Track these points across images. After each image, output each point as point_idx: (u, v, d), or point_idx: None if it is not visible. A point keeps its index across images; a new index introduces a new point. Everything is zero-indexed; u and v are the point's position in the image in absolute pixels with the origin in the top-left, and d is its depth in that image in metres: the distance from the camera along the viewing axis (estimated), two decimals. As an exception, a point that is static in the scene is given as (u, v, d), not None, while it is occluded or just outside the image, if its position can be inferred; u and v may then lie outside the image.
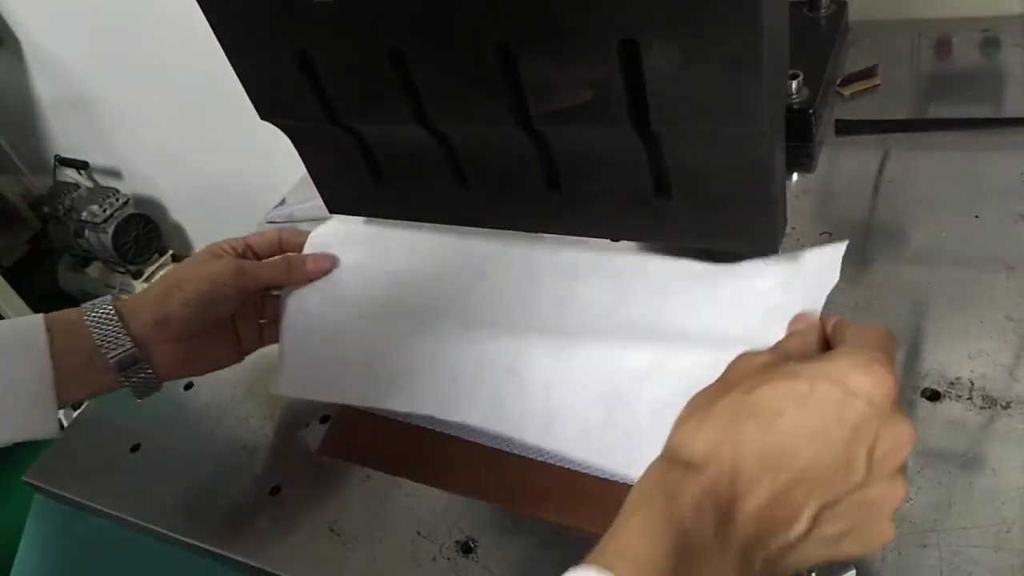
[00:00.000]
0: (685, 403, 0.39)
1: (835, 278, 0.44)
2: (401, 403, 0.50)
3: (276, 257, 0.55)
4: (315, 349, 0.55)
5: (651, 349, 0.45)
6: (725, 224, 0.44)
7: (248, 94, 0.51)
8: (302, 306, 0.56)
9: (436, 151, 0.48)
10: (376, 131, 0.50)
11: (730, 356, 0.43)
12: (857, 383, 0.30)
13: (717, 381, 0.35)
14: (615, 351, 0.46)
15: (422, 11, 0.40)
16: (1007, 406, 0.43)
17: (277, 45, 0.46)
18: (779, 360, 0.34)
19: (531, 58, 0.40)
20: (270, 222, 0.77)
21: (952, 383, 0.45)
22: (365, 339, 0.54)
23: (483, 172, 0.49)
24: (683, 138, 0.40)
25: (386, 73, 0.43)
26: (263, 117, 0.52)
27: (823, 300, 0.44)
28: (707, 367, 0.42)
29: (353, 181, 0.54)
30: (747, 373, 0.34)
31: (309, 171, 0.56)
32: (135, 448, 0.58)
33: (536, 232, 0.51)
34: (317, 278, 0.56)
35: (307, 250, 0.59)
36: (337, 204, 0.58)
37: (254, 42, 0.47)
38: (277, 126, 0.54)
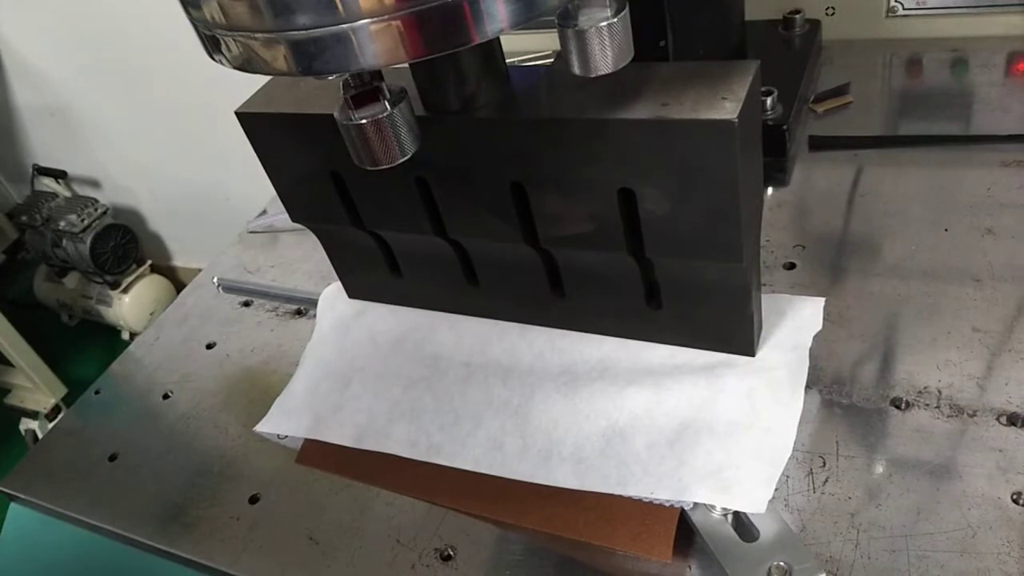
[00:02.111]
0: (678, 433, 0.45)
1: (818, 326, 0.49)
2: (396, 446, 0.51)
3: None
4: (315, 388, 0.57)
5: (651, 385, 0.48)
6: (708, 332, 0.49)
7: (282, 201, 0.55)
8: (318, 351, 0.59)
9: (451, 255, 0.53)
10: (397, 237, 0.55)
11: (724, 386, 0.47)
12: None
13: None
14: (617, 388, 0.49)
15: (447, 152, 0.45)
16: (973, 415, 0.44)
17: (313, 166, 0.51)
18: None
19: (541, 196, 0.45)
20: (251, 232, 0.77)
21: (920, 392, 0.46)
22: (371, 382, 0.55)
23: (494, 276, 0.54)
24: (672, 264, 0.45)
25: (411, 195, 0.48)
26: (294, 220, 0.56)
27: (808, 343, 0.48)
28: (699, 405, 0.47)
29: (373, 274, 0.59)
30: None
31: (332, 262, 0.61)
32: (112, 457, 0.58)
33: (540, 326, 0.55)
34: None
35: (320, 303, 0.62)
36: (356, 291, 0.62)
37: (292, 162, 0.52)
38: (307, 227, 0.58)
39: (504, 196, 0.45)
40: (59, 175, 1.89)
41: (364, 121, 0.36)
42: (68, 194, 1.91)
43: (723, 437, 0.45)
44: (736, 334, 0.48)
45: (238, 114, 0.50)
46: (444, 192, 0.48)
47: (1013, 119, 0.63)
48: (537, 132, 0.42)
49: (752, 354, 0.48)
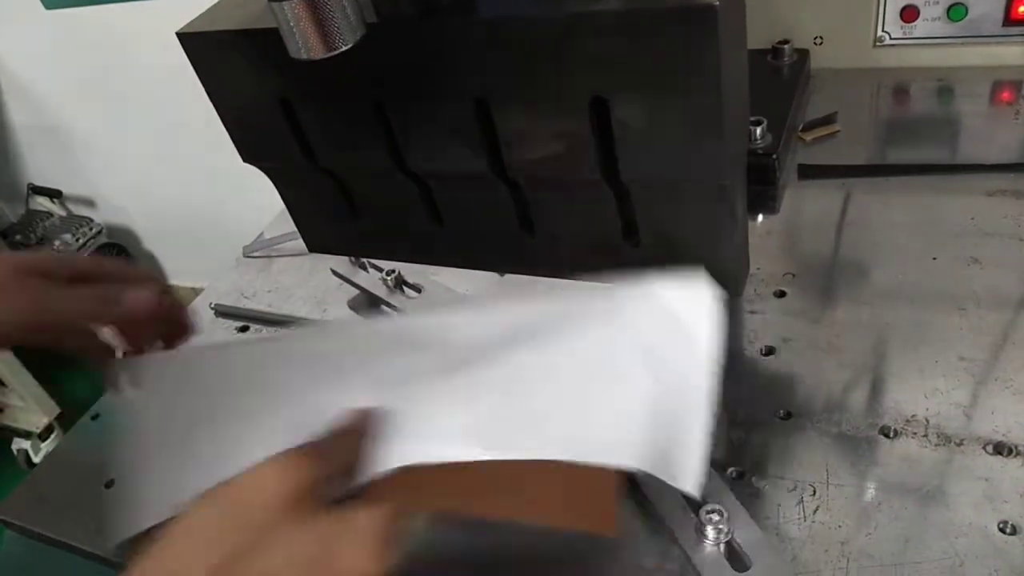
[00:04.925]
0: (585, 393, 0.40)
1: (714, 315, 0.40)
2: None
3: (88, 287, 0.46)
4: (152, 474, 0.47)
5: (542, 346, 0.42)
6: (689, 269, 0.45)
7: (232, 137, 0.52)
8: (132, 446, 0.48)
9: (413, 192, 0.50)
10: (355, 174, 0.52)
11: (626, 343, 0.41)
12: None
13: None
14: (504, 352, 0.42)
15: (403, 67, 0.42)
16: (960, 443, 0.45)
17: (261, 93, 0.48)
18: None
19: (506, 113, 0.42)
20: (247, 256, 0.78)
21: (908, 421, 0.47)
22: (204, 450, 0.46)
23: (458, 213, 0.50)
24: (650, 189, 0.43)
25: (367, 122, 0.45)
26: (245, 160, 0.53)
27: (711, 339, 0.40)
28: (602, 361, 0.41)
29: (331, 220, 0.56)
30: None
31: (289, 210, 0.58)
32: (109, 484, 0.58)
33: (509, 272, 0.52)
34: (137, 315, 0.46)
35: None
36: (315, 242, 0.59)
37: (238, 89, 0.49)
38: (258, 167, 0.55)
39: (466, 115, 0.42)
40: (54, 194, 1.89)
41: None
42: (63, 213, 1.92)
43: (632, 397, 0.40)
44: (720, 272, 0.43)
45: (179, 35, 0.46)
46: (402, 116, 0.44)
47: (997, 148, 0.64)
48: (499, 35, 0.38)
49: (738, 294, 0.45)
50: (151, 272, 0.45)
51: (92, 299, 0.45)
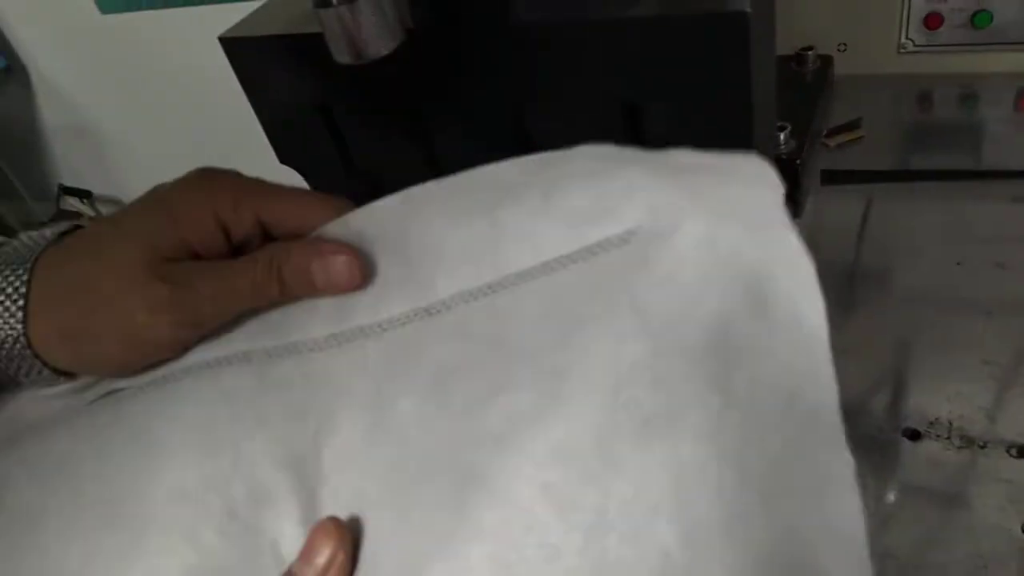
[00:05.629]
0: None
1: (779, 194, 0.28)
2: None
3: (247, 260, 0.31)
4: None
5: None
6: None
7: (269, 140, 0.53)
8: None
9: None
10: (392, 178, 0.52)
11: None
12: None
13: None
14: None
15: (438, 73, 0.43)
16: (984, 446, 0.45)
17: (301, 97, 0.49)
18: None
19: (541, 118, 0.43)
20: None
21: (932, 423, 0.47)
22: None
23: None
24: None
25: (404, 127, 0.46)
26: (282, 161, 0.54)
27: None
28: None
29: None
30: None
31: None
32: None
33: None
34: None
35: None
36: None
37: (278, 93, 0.50)
38: (295, 169, 0.56)
39: (501, 121, 0.42)
40: (84, 195, 1.92)
41: (340, 5, 0.35)
42: (93, 214, 1.95)
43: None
44: None
45: (221, 39, 0.47)
46: (438, 121, 0.45)
47: (1022, 154, 0.64)
48: (531, 41, 0.39)
49: None
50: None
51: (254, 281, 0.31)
